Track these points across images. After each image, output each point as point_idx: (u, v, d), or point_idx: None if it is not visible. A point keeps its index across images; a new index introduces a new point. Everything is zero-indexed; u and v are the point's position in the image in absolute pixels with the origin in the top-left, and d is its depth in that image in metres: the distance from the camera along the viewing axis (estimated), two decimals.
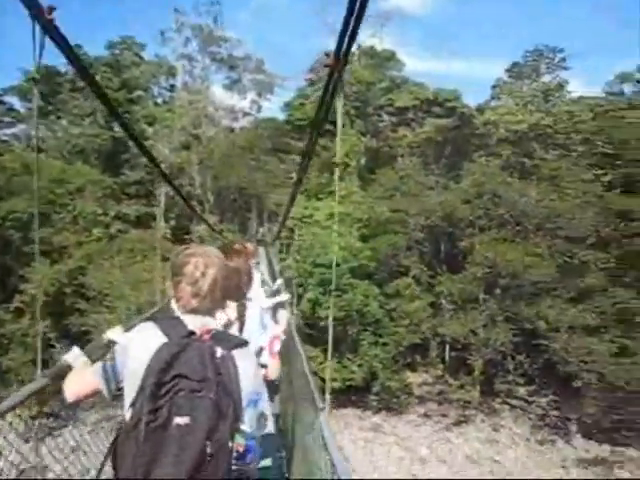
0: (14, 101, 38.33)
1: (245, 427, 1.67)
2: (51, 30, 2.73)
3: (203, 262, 1.85)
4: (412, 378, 29.69)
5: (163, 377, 1.55)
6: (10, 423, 2.22)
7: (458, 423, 27.33)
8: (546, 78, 35.71)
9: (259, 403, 1.83)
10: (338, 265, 26.69)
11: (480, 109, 38.22)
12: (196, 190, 36.10)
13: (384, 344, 27.42)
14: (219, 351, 1.67)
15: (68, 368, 2.15)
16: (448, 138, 36.14)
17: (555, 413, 27.26)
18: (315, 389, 3.04)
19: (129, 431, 1.54)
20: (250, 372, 1.77)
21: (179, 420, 1.51)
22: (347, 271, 26.73)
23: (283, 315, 4.54)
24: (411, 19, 76.88)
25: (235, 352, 1.72)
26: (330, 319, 3.14)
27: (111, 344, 2.77)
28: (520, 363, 27.60)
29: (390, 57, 43.07)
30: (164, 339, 1.67)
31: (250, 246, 5.44)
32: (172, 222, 33.13)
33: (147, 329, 1.78)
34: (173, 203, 30.62)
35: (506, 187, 30.12)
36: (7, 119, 38.47)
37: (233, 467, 1.59)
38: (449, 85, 38.49)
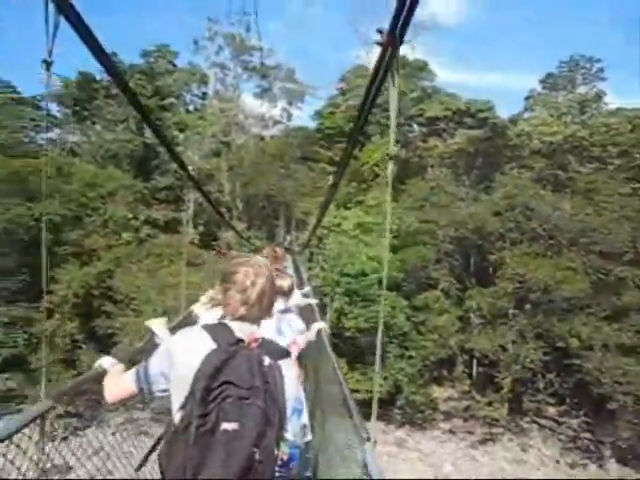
0: (51, 106, 39.41)
1: (289, 436, 1.66)
2: (66, 9, 2.44)
3: (253, 272, 1.89)
4: (438, 393, 29.14)
5: (212, 383, 1.59)
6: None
7: (484, 441, 26.64)
8: (582, 89, 34.97)
9: (302, 413, 1.91)
10: (366, 275, 26.43)
11: (513, 120, 37.70)
12: (225, 197, 36.42)
13: (410, 357, 26.99)
14: (266, 360, 1.71)
15: (104, 372, 2.25)
16: (479, 149, 35.66)
17: (587, 435, 26.30)
18: (356, 412, 2.45)
19: (179, 433, 1.58)
20: (293, 382, 1.82)
21: (227, 426, 1.53)
22: (375, 281, 26.42)
23: (315, 326, 4.56)
24: (444, 29, 76.87)
25: (281, 362, 1.77)
26: (378, 341, 2.86)
27: (153, 336, 2.92)
28: (550, 382, 26.86)
29: (422, 67, 42.94)
30: (213, 345, 1.70)
31: (279, 251, 5.68)
32: (200, 228, 33.45)
33: (194, 333, 1.81)
34: (202, 209, 30.96)
35: (539, 200, 29.52)
36: (43, 124, 39.47)
37: (276, 474, 1.62)
38: (481, 97, 38.13)
